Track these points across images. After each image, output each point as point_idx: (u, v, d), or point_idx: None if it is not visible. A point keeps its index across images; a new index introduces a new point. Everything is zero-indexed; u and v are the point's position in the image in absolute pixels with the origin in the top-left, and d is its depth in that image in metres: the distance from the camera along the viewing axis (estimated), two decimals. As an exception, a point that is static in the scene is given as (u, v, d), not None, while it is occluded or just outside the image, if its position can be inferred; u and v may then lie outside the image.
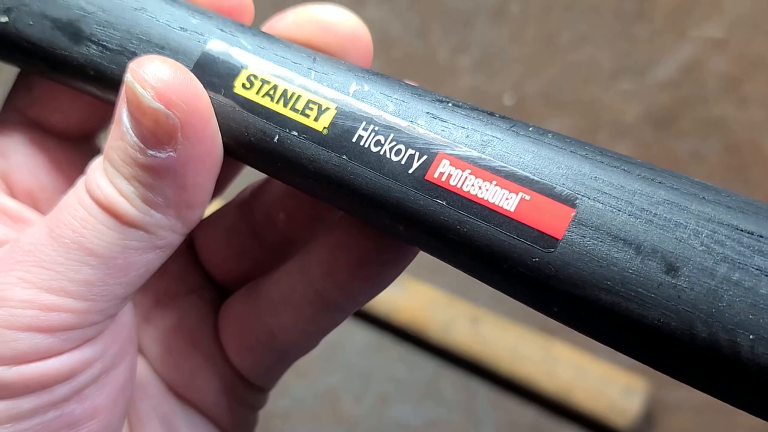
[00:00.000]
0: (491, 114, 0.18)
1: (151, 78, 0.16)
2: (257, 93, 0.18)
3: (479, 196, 0.17)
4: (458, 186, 0.17)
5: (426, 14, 0.62)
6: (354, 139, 0.18)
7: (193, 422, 0.22)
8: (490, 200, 0.17)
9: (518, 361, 0.49)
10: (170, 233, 0.18)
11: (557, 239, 0.16)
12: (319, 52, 0.20)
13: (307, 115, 0.18)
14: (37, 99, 0.20)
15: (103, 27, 0.19)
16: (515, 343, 0.49)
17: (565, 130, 0.57)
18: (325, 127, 0.18)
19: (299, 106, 0.18)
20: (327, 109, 0.18)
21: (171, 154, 0.17)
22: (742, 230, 0.16)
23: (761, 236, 0.16)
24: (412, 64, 0.60)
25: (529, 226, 0.16)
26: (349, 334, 0.53)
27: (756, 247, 0.15)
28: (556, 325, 0.51)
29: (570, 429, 0.51)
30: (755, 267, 0.15)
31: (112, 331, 0.19)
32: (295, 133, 0.18)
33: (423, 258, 0.52)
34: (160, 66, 0.17)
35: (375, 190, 0.17)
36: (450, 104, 0.18)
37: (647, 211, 0.16)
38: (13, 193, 0.20)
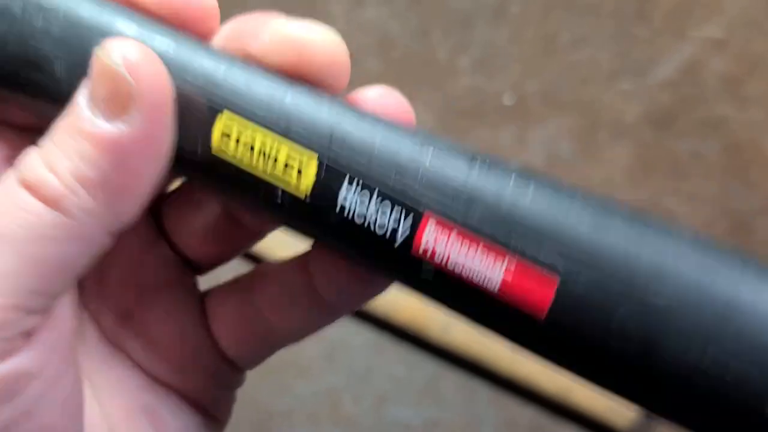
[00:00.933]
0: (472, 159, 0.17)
1: (122, 48, 0.16)
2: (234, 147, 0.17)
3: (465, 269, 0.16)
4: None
5: (425, 14, 0.62)
6: (339, 201, 0.17)
7: (177, 407, 0.22)
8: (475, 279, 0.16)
9: (518, 361, 0.49)
10: (92, 222, 0.16)
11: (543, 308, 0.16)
12: (293, 84, 0.18)
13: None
14: None
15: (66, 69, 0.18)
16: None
17: (565, 130, 0.58)
18: (306, 195, 0.17)
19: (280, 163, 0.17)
20: (306, 165, 0.17)
21: (121, 126, 0.16)
22: None
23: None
24: (412, 64, 0.60)
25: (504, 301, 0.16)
26: (349, 334, 0.54)
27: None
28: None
29: (569, 429, 0.51)
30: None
31: (48, 337, 0.17)
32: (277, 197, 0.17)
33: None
34: (132, 43, 0.16)
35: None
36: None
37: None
38: None
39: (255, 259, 0.50)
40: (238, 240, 0.22)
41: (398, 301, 0.51)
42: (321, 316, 0.21)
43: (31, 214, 0.16)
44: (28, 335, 0.16)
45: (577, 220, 0.16)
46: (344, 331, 0.51)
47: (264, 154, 0.17)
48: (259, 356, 0.23)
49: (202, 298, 0.23)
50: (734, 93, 0.58)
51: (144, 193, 0.17)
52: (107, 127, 0.16)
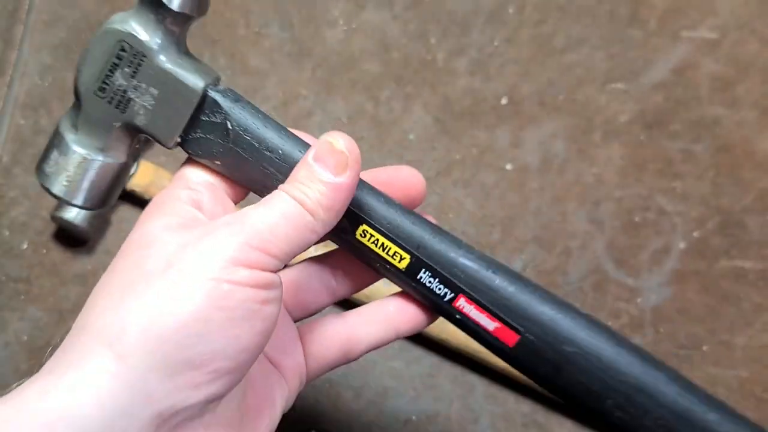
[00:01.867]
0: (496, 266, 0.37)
1: (342, 137, 0.32)
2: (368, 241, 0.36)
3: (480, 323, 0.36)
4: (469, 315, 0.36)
5: (424, 17, 0.63)
6: (419, 277, 0.36)
7: (280, 384, 0.36)
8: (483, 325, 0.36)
9: None
10: (321, 226, 0.32)
11: (509, 346, 0.36)
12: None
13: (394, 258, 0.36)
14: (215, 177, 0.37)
15: (279, 181, 0.35)
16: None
17: (560, 131, 0.58)
18: (404, 267, 0.36)
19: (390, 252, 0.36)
20: (404, 258, 0.36)
21: (343, 178, 0.32)
22: None
23: None
24: (411, 65, 0.61)
25: (497, 338, 0.36)
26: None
27: None
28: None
29: (564, 422, 0.52)
30: None
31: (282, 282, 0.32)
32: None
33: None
34: (346, 135, 0.32)
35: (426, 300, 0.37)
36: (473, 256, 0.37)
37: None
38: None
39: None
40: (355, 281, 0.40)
41: None
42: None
43: (302, 218, 0.32)
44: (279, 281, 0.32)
45: (539, 308, 0.35)
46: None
47: (382, 247, 0.36)
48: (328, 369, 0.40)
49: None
50: (726, 94, 0.58)
51: (341, 214, 0.33)
52: (337, 178, 0.32)
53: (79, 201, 0.37)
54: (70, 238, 0.57)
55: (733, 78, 0.59)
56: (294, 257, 0.32)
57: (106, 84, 0.36)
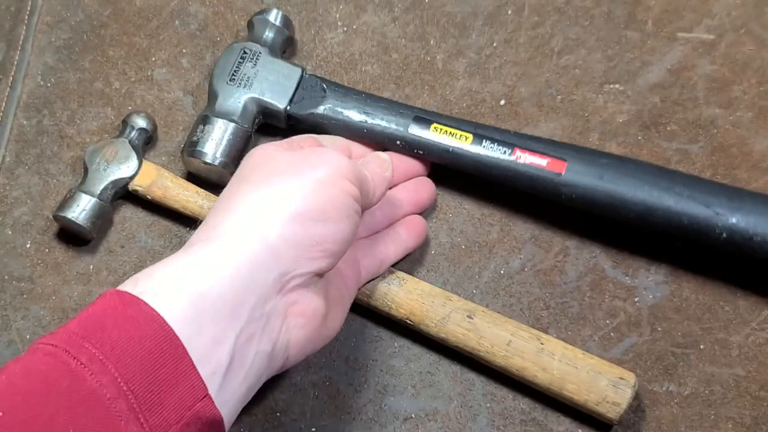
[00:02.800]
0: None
1: (388, 160, 0.51)
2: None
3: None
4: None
5: (423, 19, 0.63)
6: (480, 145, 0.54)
7: (347, 287, 0.51)
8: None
9: (513, 355, 0.50)
10: (372, 202, 0.48)
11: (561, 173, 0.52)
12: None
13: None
14: None
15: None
16: (510, 337, 0.50)
17: (558, 132, 0.59)
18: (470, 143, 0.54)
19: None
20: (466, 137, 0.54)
21: (389, 174, 0.50)
22: None
23: None
24: (410, 67, 0.62)
25: (549, 170, 0.53)
26: (348, 328, 0.55)
27: None
28: (548, 321, 0.53)
29: (562, 420, 0.52)
30: None
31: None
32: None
33: (420, 257, 0.53)
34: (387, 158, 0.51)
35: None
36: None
37: None
38: None
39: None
40: None
41: (396, 297, 0.52)
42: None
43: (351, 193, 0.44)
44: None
45: (571, 146, 0.54)
46: (345, 325, 0.53)
47: (452, 134, 0.56)
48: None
49: None
50: (723, 95, 0.59)
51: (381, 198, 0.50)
52: (389, 174, 0.50)
53: (219, 158, 0.55)
54: (72, 237, 0.58)
55: (729, 79, 0.59)
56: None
57: (235, 74, 0.57)
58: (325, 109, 0.56)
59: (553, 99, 0.60)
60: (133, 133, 0.58)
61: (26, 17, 0.65)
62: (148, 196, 0.57)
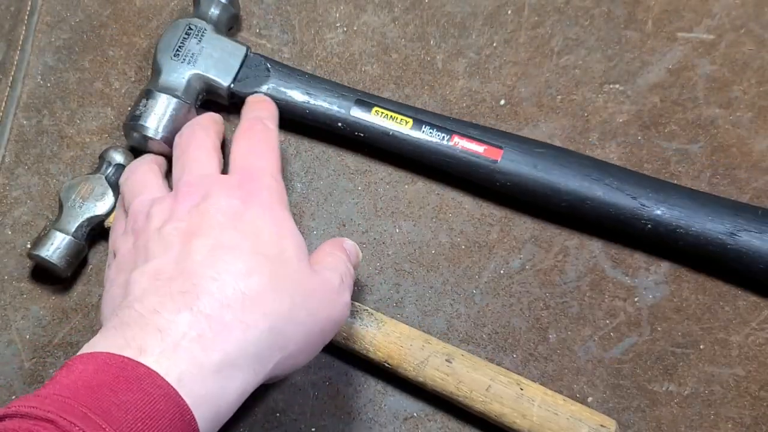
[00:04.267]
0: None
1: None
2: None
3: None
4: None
5: (423, 19, 0.63)
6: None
7: None
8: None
9: (492, 400, 0.49)
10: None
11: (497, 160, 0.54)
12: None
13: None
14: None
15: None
16: (489, 382, 0.49)
17: (558, 132, 0.59)
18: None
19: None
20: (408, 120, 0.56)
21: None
22: None
23: None
24: (410, 67, 0.62)
25: (485, 156, 0.54)
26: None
27: None
28: (548, 321, 0.53)
29: None
30: None
31: None
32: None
33: (420, 257, 0.53)
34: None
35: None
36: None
37: None
38: None
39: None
40: None
41: (374, 340, 0.51)
42: None
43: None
44: None
45: (508, 134, 0.56)
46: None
47: (393, 118, 0.57)
48: None
49: None
50: (722, 95, 0.59)
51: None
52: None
53: (161, 133, 0.55)
54: (47, 274, 0.57)
55: (729, 79, 0.59)
56: None
57: (180, 50, 0.57)
58: (268, 89, 0.57)
59: (553, 99, 0.60)
60: (110, 170, 0.57)
61: (26, 17, 0.65)
62: None
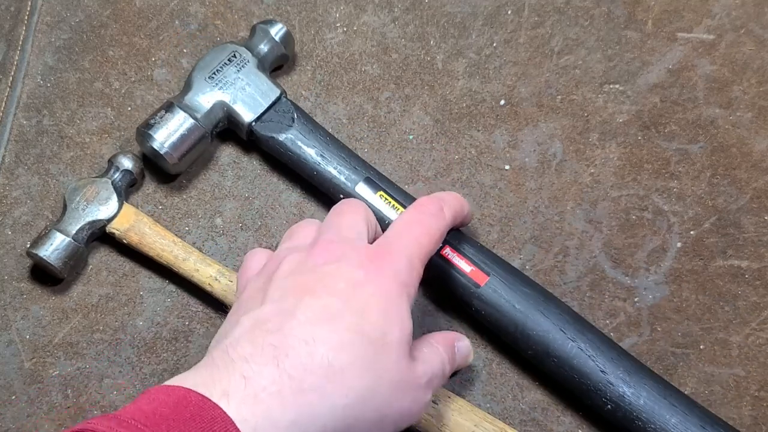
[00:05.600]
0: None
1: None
2: None
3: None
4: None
5: (423, 19, 0.63)
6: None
7: None
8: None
9: None
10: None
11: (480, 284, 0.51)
12: None
13: None
14: None
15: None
16: (473, 428, 0.48)
17: (558, 132, 0.59)
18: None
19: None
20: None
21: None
22: None
23: None
24: (410, 67, 0.62)
25: (470, 278, 0.52)
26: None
27: None
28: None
29: (562, 420, 0.52)
30: None
31: None
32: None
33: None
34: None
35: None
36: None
37: None
38: None
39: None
40: None
41: None
42: None
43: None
44: None
45: (500, 259, 0.52)
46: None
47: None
48: None
49: None
50: (722, 95, 0.59)
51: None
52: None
53: (166, 148, 0.55)
54: (45, 274, 0.57)
55: (729, 79, 0.59)
56: None
57: (216, 73, 0.57)
58: (285, 139, 0.56)
59: (553, 99, 0.60)
60: (117, 174, 0.56)
61: (26, 17, 0.65)
62: (125, 241, 0.55)
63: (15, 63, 0.63)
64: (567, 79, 0.60)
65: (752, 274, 0.54)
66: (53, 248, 0.54)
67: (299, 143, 0.55)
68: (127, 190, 0.58)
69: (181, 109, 0.55)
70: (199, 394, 0.36)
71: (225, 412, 0.35)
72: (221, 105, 0.56)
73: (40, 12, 0.65)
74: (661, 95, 0.59)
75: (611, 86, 0.60)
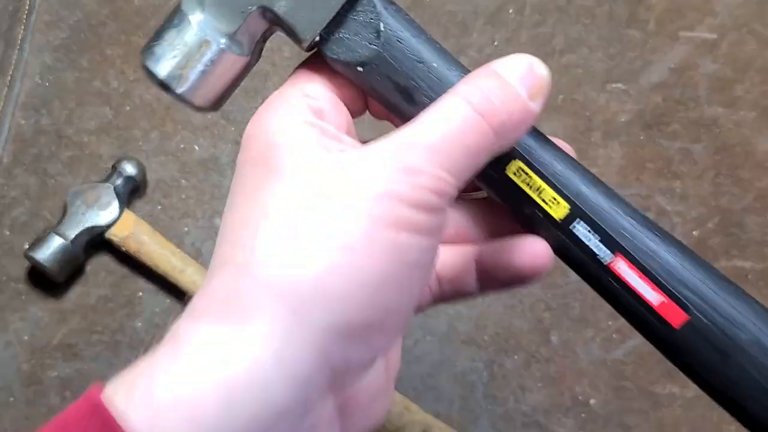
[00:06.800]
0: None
1: (539, 62, 0.30)
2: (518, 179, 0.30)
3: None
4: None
5: (424, 18, 0.63)
6: (572, 229, 0.30)
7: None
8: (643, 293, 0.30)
9: None
10: (498, 150, 0.28)
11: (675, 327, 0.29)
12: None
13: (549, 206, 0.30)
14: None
15: (429, 98, 0.30)
16: None
17: (560, 131, 0.58)
18: (560, 218, 0.30)
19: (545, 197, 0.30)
20: (560, 205, 0.30)
21: (535, 106, 0.28)
22: None
23: None
24: (411, 66, 0.61)
25: (660, 315, 0.30)
26: None
27: None
28: (550, 323, 0.52)
29: (563, 422, 0.52)
30: None
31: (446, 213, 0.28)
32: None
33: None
34: (537, 60, 0.30)
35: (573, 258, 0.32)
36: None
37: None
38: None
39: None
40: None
41: None
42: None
43: (488, 134, 0.28)
44: (447, 206, 0.27)
45: (712, 286, 0.29)
46: None
47: (538, 191, 0.30)
48: None
49: None
50: (725, 94, 0.59)
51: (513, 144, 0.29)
52: (531, 103, 0.28)
53: (184, 89, 0.31)
54: (43, 276, 0.56)
55: (731, 78, 0.59)
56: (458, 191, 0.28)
57: None
58: (365, 69, 0.31)
59: (555, 98, 0.59)
60: (120, 180, 0.56)
61: (24, 16, 0.64)
62: (123, 248, 0.55)
63: (13, 62, 0.63)
64: (569, 78, 0.60)
65: (755, 274, 0.54)
66: (50, 252, 0.53)
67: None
68: (129, 196, 0.57)
69: (199, 26, 0.33)
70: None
71: None
72: (263, 14, 0.31)
73: (38, 11, 0.65)
74: (664, 94, 0.59)
75: (613, 85, 0.59)
